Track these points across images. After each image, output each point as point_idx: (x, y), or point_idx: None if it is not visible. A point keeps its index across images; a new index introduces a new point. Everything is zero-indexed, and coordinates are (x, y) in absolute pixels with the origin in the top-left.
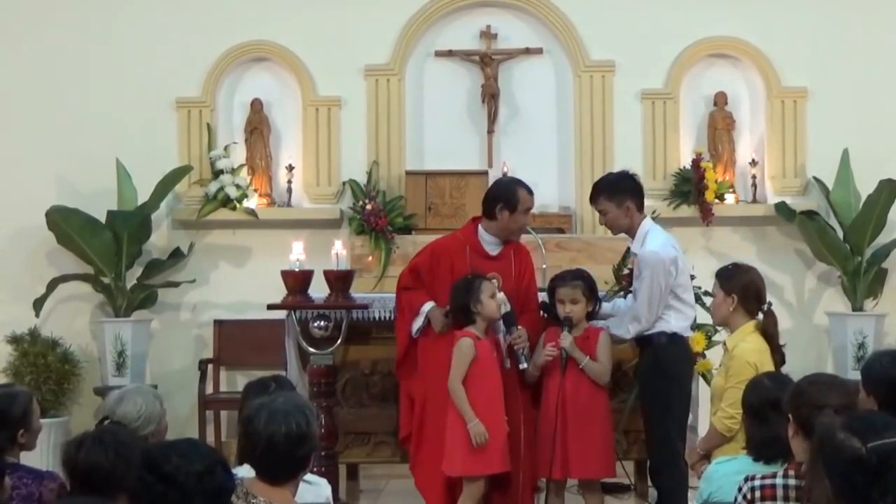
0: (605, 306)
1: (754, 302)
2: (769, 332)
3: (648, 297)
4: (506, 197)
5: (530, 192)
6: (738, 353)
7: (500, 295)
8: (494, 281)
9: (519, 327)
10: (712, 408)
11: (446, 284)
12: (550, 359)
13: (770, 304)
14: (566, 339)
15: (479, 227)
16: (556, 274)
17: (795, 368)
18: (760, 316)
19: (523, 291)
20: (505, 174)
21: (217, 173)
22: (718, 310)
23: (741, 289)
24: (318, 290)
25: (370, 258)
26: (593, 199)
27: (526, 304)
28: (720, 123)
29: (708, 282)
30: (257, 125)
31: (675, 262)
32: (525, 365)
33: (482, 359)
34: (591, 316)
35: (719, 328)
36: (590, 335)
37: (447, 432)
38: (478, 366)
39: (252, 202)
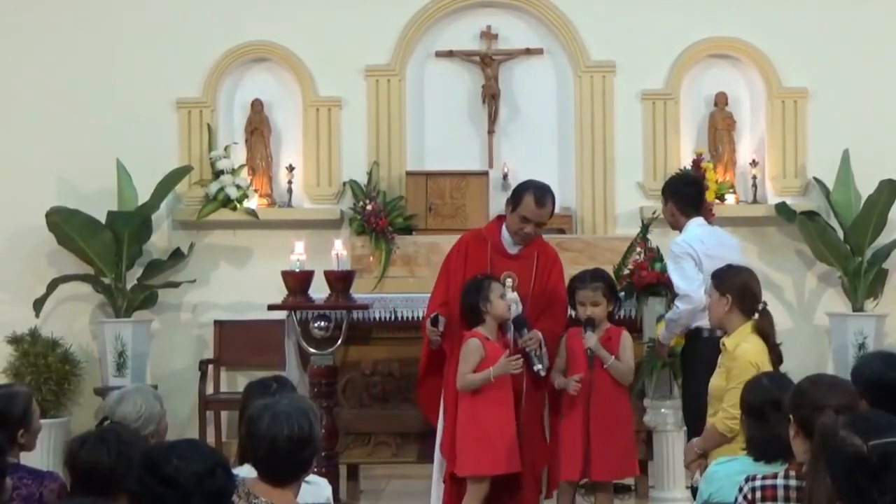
0: (663, 334)
1: (750, 302)
2: (765, 331)
3: (674, 277)
4: (514, 195)
5: (541, 203)
6: (739, 354)
7: (513, 295)
8: (509, 280)
9: (532, 329)
10: (710, 408)
11: (461, 276)
12: (576, 394)
13: (765, 303)
14: (591, 339)
15: (503, 224)
16: (576, 275)
17: (796, 369)
18: (756, 316)
19: (548, 291)
20: (505, 175)
21: (217, 174)
22: (714, 311)
23: (736, 289)
24: (319, 290)
25: (371, 259)
26: None
27: (550, 304)
28: (720, 124)
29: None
30: (258, 125)
31: (689, 255)
32: (539, 366)
33: (491, 360)
34: (611, 316)
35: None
36: (611, 335)
37: (456, 433)
38: (486, 366)
39: (252, 203)
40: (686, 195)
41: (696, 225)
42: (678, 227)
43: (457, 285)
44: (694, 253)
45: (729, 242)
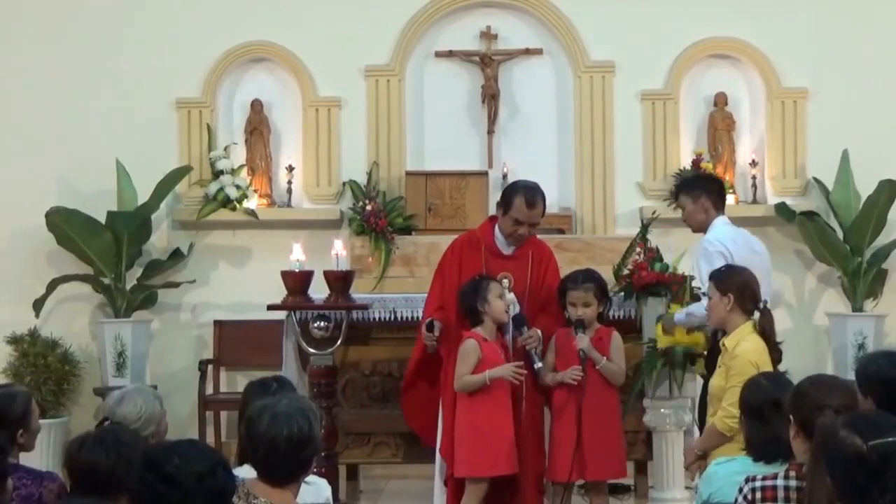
0: (678, 317)
1: (750, 301)
2: (766, 330)
3: (699, 280)
4: (504, 198)
5: (531, 204)
6: (740, 353)
7: (510, 296)
8: (505, 281)
9: (531, 328)
10: (710, 408)
11: (456, 279)
12: (575, 383)
13: (765, 301)
14: (583, 341)
15: (496, 225)
16: (567, 275)
17: (796, 369)
18: (756, 315)
19: (545, 289)
20: (505, 175)
21: (217, 174)
22: (715, 311)
23: (737, 288)
24: (318, 290)
25: (370, 259)
26: (675, 195)
27: (547, 302)
28: (720, 124)
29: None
30: (257, 126)
31: (722, 255)
32: (539, 364)
33: (488, 360)
34: (601, 317)
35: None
36: (602, 336)
37: (455, 433)
38: (483, 367)
39: (252, 203)
40: (714, 190)
41: (723, 223)
42: (705, 224)
43: (452, 289)
44: (727, 252)
45: (756, 247)
